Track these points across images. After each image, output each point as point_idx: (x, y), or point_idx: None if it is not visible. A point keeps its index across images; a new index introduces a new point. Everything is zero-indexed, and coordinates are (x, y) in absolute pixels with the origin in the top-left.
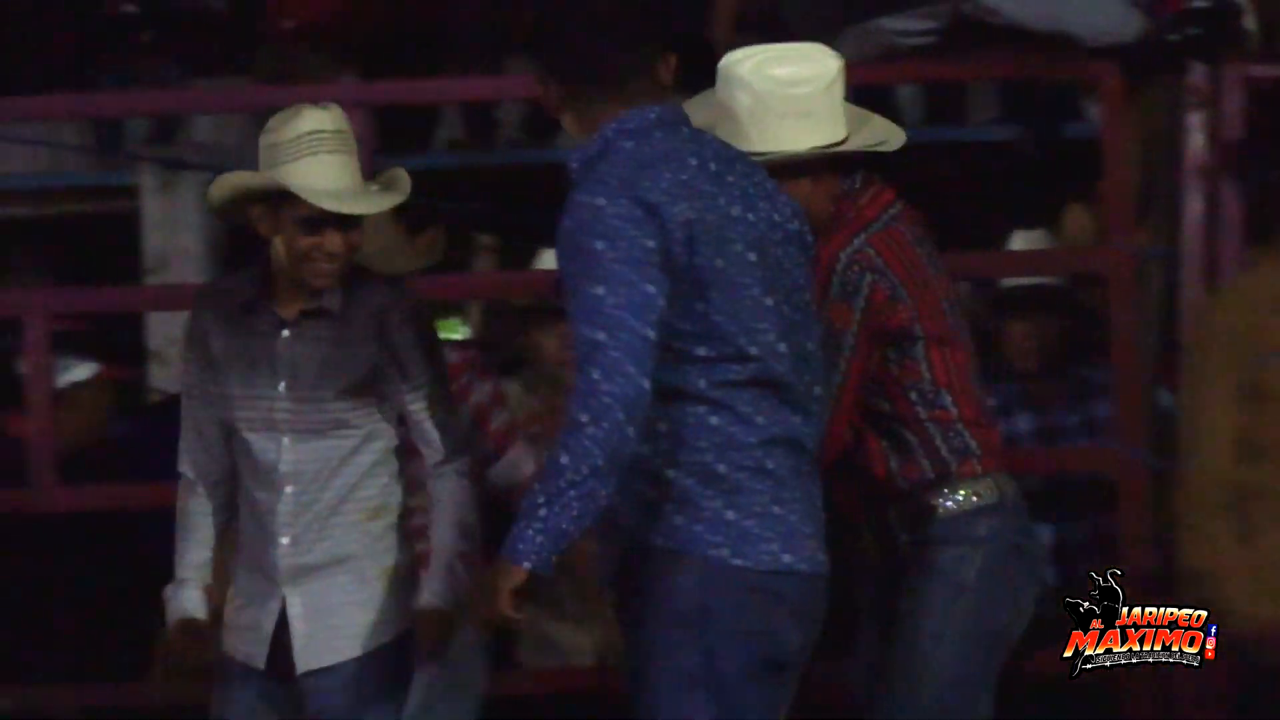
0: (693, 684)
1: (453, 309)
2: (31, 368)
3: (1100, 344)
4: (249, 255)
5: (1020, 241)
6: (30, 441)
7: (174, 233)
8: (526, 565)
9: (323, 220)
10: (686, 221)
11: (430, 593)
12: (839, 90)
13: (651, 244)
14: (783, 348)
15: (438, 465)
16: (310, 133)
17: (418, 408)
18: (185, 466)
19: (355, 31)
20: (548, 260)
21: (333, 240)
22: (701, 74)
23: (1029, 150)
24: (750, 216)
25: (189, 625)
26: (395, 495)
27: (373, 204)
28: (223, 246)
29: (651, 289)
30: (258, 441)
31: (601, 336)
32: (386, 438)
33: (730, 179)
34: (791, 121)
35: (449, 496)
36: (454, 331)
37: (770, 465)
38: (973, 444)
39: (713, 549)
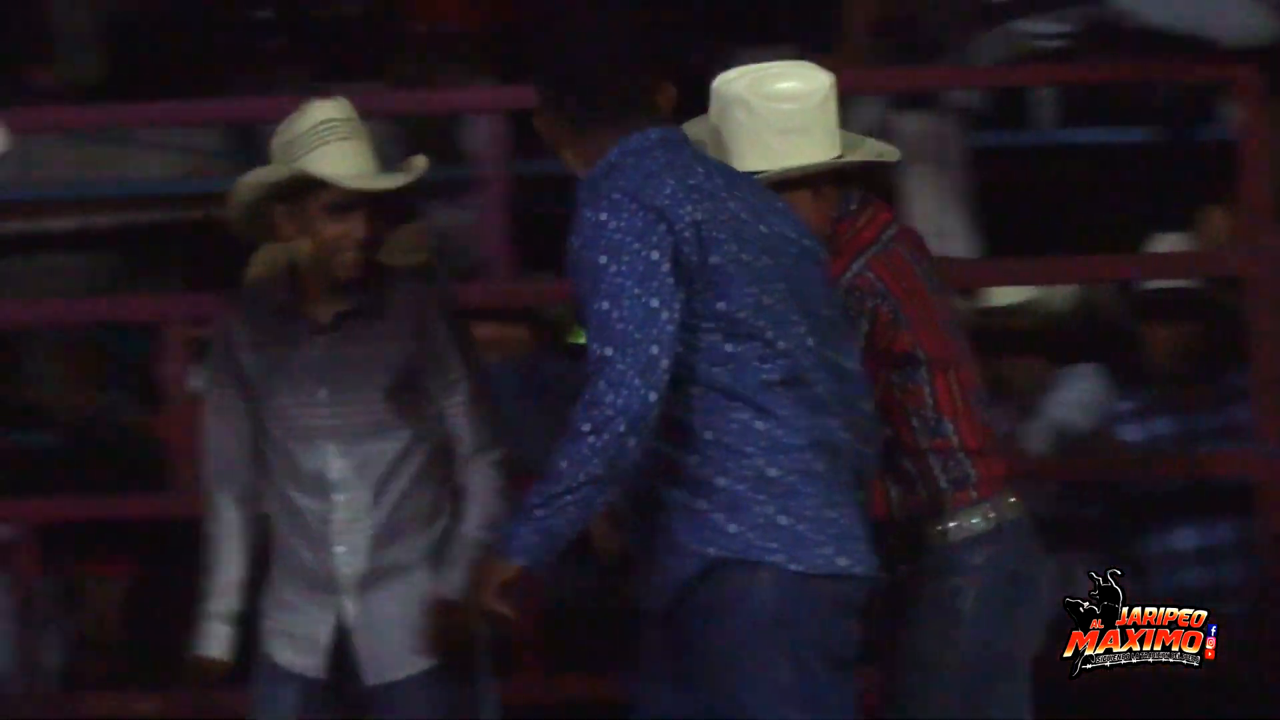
0: (786, 693)
1: None
2: (168, 372)
3: (1240, 347)
4: None
5: (1161, 244)
6: (169, 445)
7: None
8: (520, 562)
9: (348, 205)
10: (695, 222)
11: (447, 583)
12: (833, 106)
13: (655, 255)
14: (810, 343)
15: (470, 458)
16: (322, 122)
17: (453, 401)
18: (211, 485)
19: (490, 35)
20: None
21: (359, 226)
22: (693, 105)
23: (1166, 153)
24: (762, 228)
25: (206, 666)
26: (447, 501)
27: (395, 180)
28: None
29: (655, 303)
30: (302, 450)
31: (609, 352)
32: (434, 438)
33: (738, 192)
34: (791, 138)
35: (480, 488)
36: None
37: (819, 468)
38: (971, 473)
39: (769, 555)
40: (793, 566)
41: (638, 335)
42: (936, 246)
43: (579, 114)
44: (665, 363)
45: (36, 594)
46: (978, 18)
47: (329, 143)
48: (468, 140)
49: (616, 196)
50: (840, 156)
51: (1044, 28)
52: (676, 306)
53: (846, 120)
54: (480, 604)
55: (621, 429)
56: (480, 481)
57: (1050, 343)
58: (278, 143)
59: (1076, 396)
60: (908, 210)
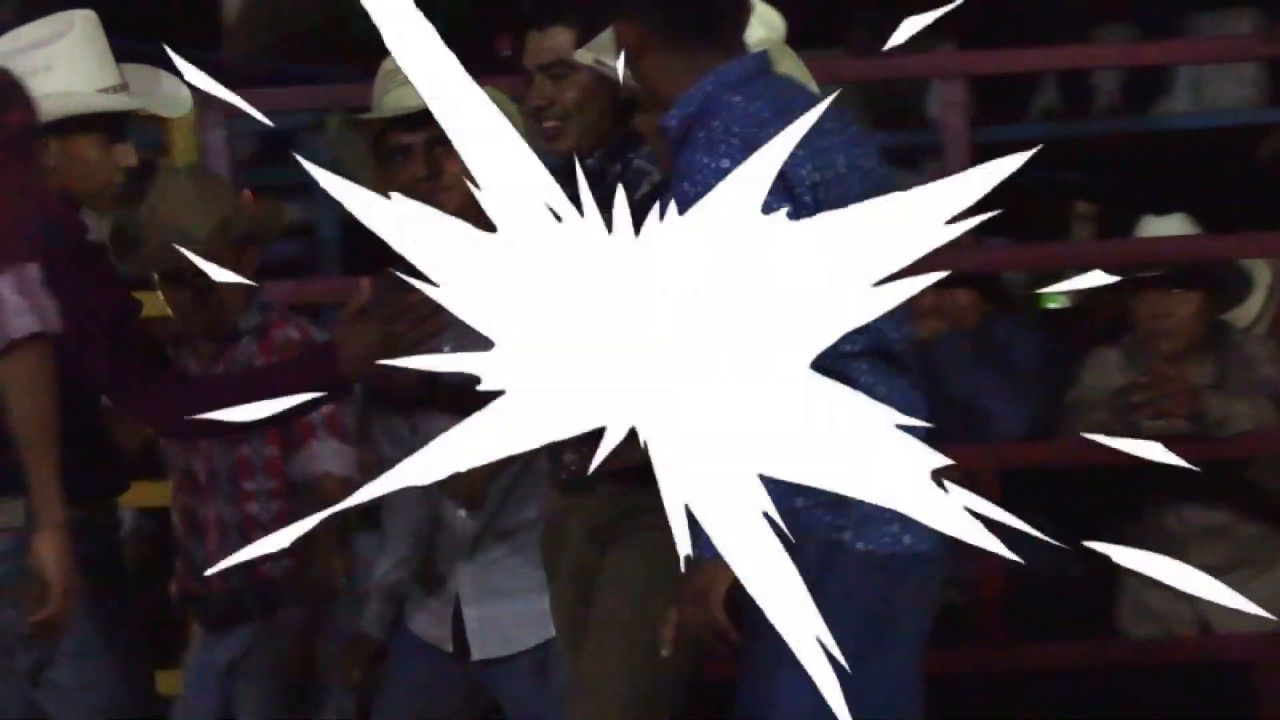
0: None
1: (1050, 278)
2: None
3: None
4: None
5: None
6: None
7: None
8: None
9: (403, 147)
10: (813, 184)
11: None
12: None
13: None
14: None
15: None
16: (385, 75)
17: None
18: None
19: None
20: (1148, 229)
21: (417, 165)
22: None
23: None
24: (854, 185)
25: (359, 643)
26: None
27: (408, 105)
28: None
29: None
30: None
31: None
32: None
33: (827, 125)
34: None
35: None
36: (1053, 301)
37: None
38: None
39: (835, 532)
40: (859, 545)
41: None
42: None
43: (674, 26)
44: None
45: None
46: None
47: (389, 91)
48: (932, 106)
49: (735, 144)
50: None
51: None
52: None
53: None
54: (706, 621)
55: None
56: None
57: None
58: None
59: None
60: None
